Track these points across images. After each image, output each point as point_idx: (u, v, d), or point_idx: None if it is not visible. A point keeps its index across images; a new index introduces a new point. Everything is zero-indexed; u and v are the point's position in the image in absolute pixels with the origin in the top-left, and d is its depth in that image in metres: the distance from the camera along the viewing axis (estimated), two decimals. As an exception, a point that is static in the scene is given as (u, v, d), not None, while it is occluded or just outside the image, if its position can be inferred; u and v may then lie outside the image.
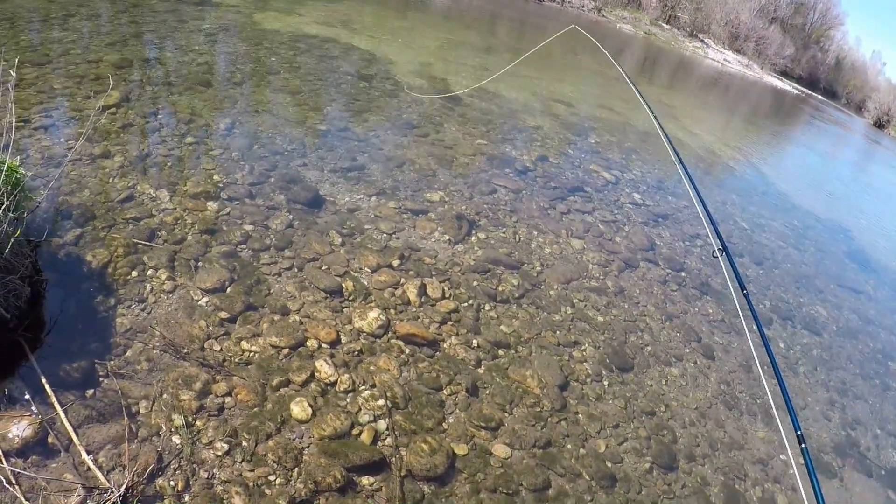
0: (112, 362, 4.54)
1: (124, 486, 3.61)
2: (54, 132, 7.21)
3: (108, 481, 3.65)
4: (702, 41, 58.23)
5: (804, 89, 65.49)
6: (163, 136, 8.00)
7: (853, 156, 35.68)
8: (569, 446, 5.40)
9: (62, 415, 3.94)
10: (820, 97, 67.42)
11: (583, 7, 50.63)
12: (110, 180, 6.67)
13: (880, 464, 7.06)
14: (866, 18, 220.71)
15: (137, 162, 7.21)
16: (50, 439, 3.82)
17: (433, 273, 7.00)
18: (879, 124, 61.48)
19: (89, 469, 3.72)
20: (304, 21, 16.67)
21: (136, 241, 5.84)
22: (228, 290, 5.68)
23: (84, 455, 3.77)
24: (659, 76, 33.46)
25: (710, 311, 8.60)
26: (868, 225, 17.90)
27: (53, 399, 4.01)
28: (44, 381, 4.10)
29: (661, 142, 15.43)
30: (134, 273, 5.48)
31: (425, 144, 10.52)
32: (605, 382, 6.39)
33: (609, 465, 5.38)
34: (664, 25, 57.13)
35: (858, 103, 72.20)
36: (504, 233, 8.47)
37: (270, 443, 4.35)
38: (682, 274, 9.26)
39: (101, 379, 4.38)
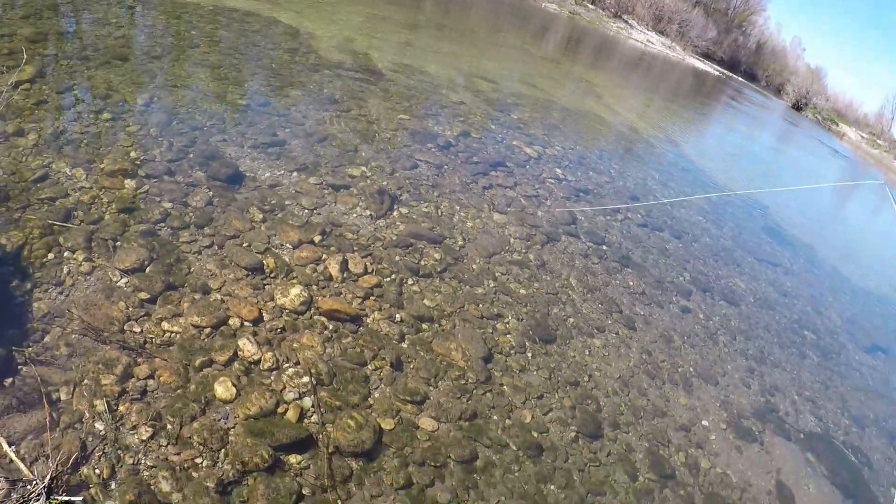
0: (30, 349, 4.42)
1: (48, 477, 3.52)
2: (-39, 109, 6.90)
3: (32, 473, 3.58)
4: (626, 22, 59.09)
5: (725, 71, 67.42)
6: (79, 112, 7.73)
7: (772, 136, 36.97)
8: (495, 417, 5.54)
9: (-23, 403, 3.83)
10: (740, 79, 69.54)
11: (508, -16, 50.65)
12: (24, 159, 6.42)
13: (798, 428, 7.47)
14: (788, 4, 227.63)
15: (52, 140, 6.95)
16: (-35, 430, 3.72)
17: (355, 248, 7.01)
18: (797, 107, 64.39)
19: (11, 461, 3.62)
20: (225, -6, 16.24)
21: (51, 221, 5.66)
22: (148, 269, 5.57)
23: (5, 447, 3.68)
24: (583, 55, 33.87)
25: (631, 283, 8.87)
26: (784, 201, 18.63)
27: (-33, 387, 3.89)
28: (-44, 368, 3.97)
29: (583, 119, 15.61)
30: (50, 255, 5.32)
31: (347, 119, 10.44)
32: (529, 354, 6.55)
33: (535, 435, 5.55)
34: (589, 6, 57.67)
35: (778, 86, 75.10)
36: (426, 207, 8.53)
37: (195, 424, 4.33)
38: (604, 247, 9.51)
39: (19, 366, 4.26)
